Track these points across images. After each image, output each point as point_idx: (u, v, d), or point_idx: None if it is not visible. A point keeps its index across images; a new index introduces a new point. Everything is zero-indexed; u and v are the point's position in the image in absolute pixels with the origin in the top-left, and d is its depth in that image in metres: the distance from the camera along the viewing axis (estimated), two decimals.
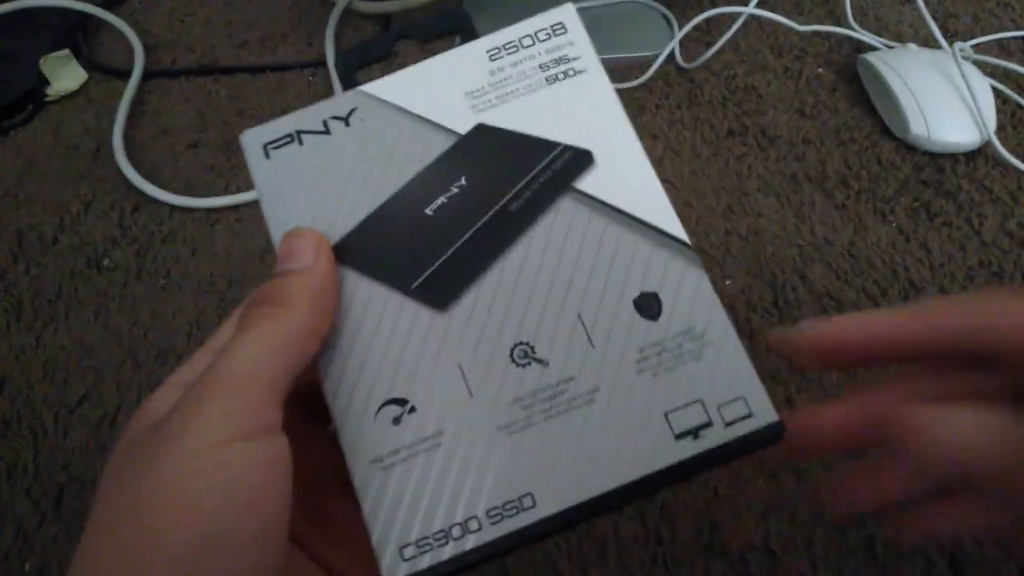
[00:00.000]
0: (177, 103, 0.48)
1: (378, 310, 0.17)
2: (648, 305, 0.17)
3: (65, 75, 0.49)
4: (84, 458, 0.31)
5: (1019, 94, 0.42)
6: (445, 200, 0.18)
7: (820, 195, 0.39)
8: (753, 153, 0.41)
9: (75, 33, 0.53)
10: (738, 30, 0.46)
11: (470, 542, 0.15)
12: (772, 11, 0.46)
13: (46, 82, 0.49)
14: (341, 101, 0.19)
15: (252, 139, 0.19)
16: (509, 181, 0.18)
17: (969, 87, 0.39)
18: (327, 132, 0.19)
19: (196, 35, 0.53)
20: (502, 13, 0.51)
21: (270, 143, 0.19)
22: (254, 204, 0.41)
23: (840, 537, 0.27)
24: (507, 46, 0.19)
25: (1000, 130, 0.40)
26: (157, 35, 0.53)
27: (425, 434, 0.16)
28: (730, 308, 0.34)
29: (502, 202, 0.18)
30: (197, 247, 0.39)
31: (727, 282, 0.35)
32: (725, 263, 0.36)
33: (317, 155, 0.19)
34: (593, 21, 0.49)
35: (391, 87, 0.19)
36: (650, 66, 0.45)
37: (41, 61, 0.48)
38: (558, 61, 0.19)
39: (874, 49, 0.46)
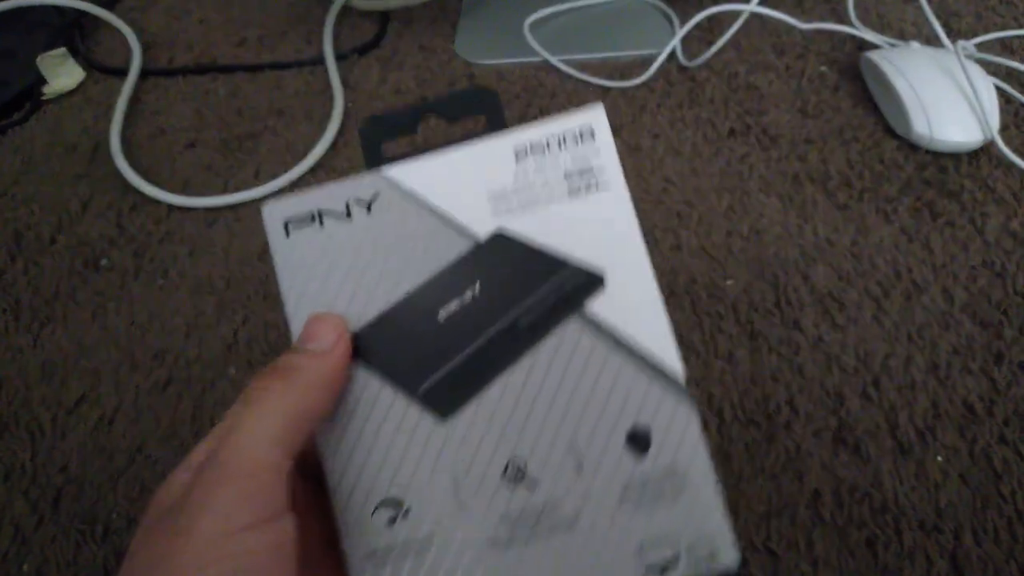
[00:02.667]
0: (175, 102, 0.47)
1: (383, 409, 0.18)
2: (638, 440, 0.18)
3: (62, 74, 0.49)
4: (82, 459, 0.31)
5: (1022, 93, 0.42)
6: (458, 306, 0.19)
7: (822, 195, 0.38)
8: (755, 152, 0.41)
9: (72, 31, 0.52)
10: (740, 28, 0.45)
11: None
12: (774, 9, 0.46)
13: (43, 80, 0.49)
14: (365, 184, 0.19)
15: (273, 214, 0.19)
16: (521, 295, 0.19)
17: (972, 86, 0.38)
18: (348, 217, 0.19)
19: (194, 33, 0.53)
20: (496, 10, 0.51)
21: (291, 220, 0.19)
22: (252, 204, 0.41)
23: (840, 537, 0.27)
24: (534, 146, 0.19)
25: (1003, 129, 0.40)
26: (154, 33, 0.53)
27: (417, 536, 0.17)
28: (732, 308, 0.34)
29: (512, 315, 0.18)
30: (195, 247, 0.39)
31: (729, 282, 0.35)
32: (727, 263, 0.36)
33: (337, 240, 0.19)
34: (595, 19, 0.49)
35: (416, 175, 0.19)
36: (651, 65, 0.45)
37: (38, 59, 0.48)
38: (582, 172, 0.19)
39: (877, 47, 0.45)
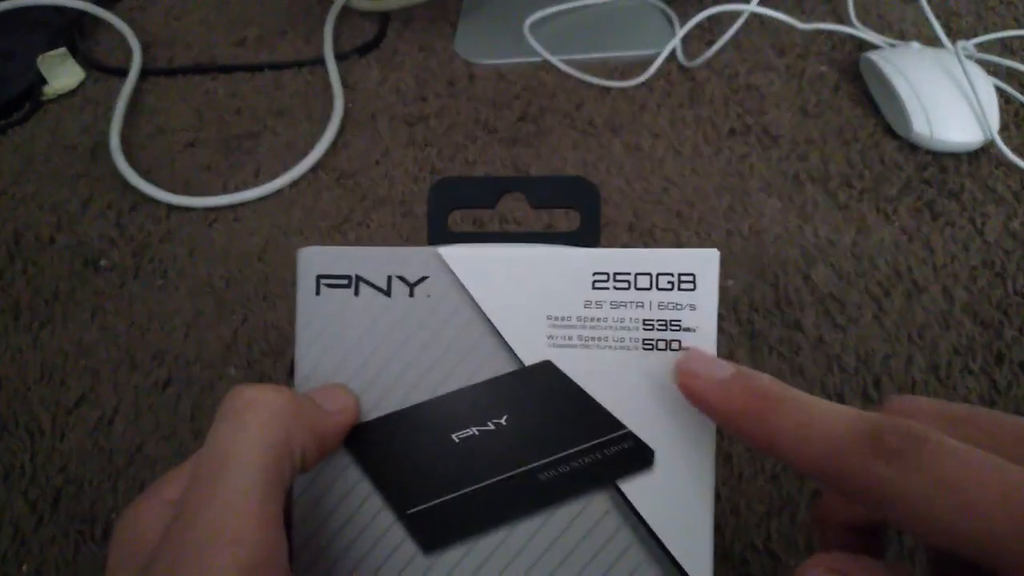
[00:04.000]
0: (174, 102, 0.47)
1: (365, 520, 0.16)
2: None
3: (62, 73, 0.49)
4: (82, 459, 0.31)
5: (1022, 93, 0.42)
6: (476, 433, 0.16)
7: (823, 195, 0.38)
8: (755, 152, 0.41)
9: (72, 31, 0.52)
10: (740, 28, 0.45)
11: None
12: (774, 9, 0.46)
13: (43, 80, 0.49)
14: (414, 260, 0.17)
15: (309, 262, 0.17)
16: (552, 445, 0.16)
17: (972, 86, 0.38)
18: (387, 293, 0.17)
19: (193, 33, 0.53)
20: (497, 10, 0.51)
21: (325, 277, 0.17)
22: (251, 204, 0.41)
23: None
24: (618, 276, 0.16)
25: (1003, 129, 0.40)
26: (154, 33, 0.53)
27: None
28: (732, 308, 0.34)
29: (535, 465, 0.16)
30: (195, 247, 0.39)
31: (729, 282, 0.35)
32: (727, 263, 0.36)
33: (368, 316, 0.17)
34: (595, 19, 0.49)
35: (473, 266, 0.17)
36: (652, 64, 0.45)
37: (38, 59, 0.48)
38: (667, 325, 0.16)
39: (877, 47, 0.45)
